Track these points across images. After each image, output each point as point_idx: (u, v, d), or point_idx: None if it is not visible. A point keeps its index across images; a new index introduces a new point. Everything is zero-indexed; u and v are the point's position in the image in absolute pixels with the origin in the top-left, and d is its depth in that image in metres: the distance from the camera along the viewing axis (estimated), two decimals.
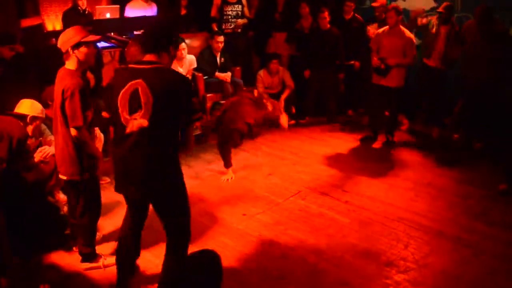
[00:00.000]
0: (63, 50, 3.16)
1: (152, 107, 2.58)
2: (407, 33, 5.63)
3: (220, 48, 6.46)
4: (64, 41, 3.15)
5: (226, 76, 6.44)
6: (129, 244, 3.08)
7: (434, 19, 6.13)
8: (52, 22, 6.95)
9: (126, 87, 2.63)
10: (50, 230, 3.79)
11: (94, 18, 6.29)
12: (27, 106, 3.65)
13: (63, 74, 3.17)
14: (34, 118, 3.65)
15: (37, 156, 3.93)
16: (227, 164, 5.07)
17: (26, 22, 6.19)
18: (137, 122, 2.61)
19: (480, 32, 5.44)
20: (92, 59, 3.30)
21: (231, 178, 5.04)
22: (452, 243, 3.82)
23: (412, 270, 3.46)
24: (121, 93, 2.64)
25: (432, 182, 4.95)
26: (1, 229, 3.23)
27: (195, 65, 6.22)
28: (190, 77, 6.21)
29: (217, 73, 6.45)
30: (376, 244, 3.80)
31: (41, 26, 6.60)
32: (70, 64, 3.18)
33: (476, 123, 5.74)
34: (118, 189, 2.85)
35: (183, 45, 5.91)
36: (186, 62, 6.07)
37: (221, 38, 6.41)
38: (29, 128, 3.65)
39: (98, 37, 3.28)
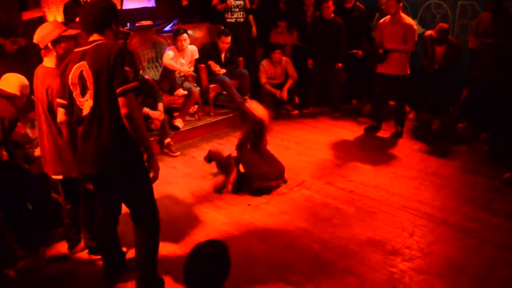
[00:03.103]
0: (42, 45, 3.10)
1: (93, 85, 2.62)
2: (408, 19, 5.64)
3: (226, 48, 6.37)
4: (43, 36, 3.09)
5: (218, 68, 6.30)
6: (107, 236, 3.09)
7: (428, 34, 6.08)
8: (53, 14, 6.90)
9: (73, 70, 2.68)
10: (55, 225, 3.80)
11: None
12: (12, 82, 3.52)
13: (44, 73, 3.13)
14: (21, 94, 3.57)
15: (37, 151, 3.91)
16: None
17: (28, 15, 6.17)
18: (88, 103, 2.66)
19: (492, 19, 5.43)
20: None
21: None
22: (457, 232, 3.83)
23: (417, 259, 3.47)
24: (70, 78, 2.69)
25: (436, 171, 4.94)
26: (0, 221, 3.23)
27: (197, 56, 6.19)
28: (193, 68, 6.19)
29: (209, 62, 6.32)
30: (381, 233, 3.81)
31: (42, 19, 6.57)
32: (49, 62, 3.14)
33: (483, 112, 5.72)
34: (79, 169, 2.84)
35: (184, 35, 5.87)
36: (188, 52, 6.05)
37: (228, 39, 6.29)
38: (18, 104, 3.53)
39: (78, 31, 3.20)
